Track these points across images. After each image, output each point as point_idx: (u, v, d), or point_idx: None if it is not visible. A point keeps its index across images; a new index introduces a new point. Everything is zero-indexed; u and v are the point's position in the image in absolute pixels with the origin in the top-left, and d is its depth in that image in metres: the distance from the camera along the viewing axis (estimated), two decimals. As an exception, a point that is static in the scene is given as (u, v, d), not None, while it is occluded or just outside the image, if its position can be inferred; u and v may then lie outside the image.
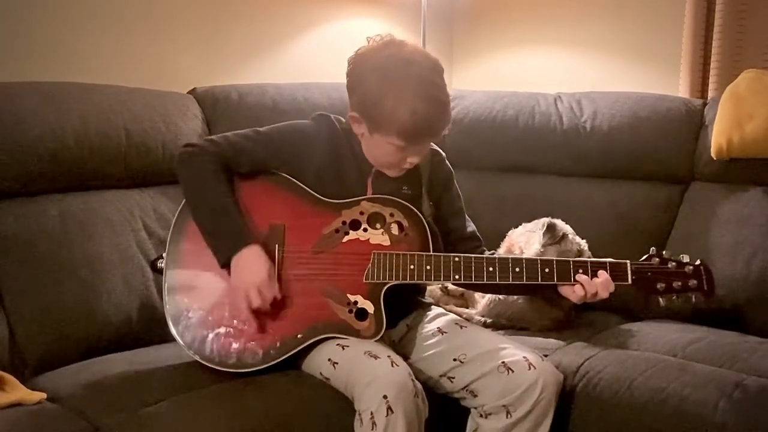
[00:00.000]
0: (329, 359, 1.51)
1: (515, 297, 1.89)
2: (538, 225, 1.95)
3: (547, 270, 1.55)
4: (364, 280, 1.55)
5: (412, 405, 1.42)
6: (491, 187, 2.27)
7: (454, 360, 1.56)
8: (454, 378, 1.56)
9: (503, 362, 1.51)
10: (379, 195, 1.60)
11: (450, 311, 1.79)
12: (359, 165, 1.63)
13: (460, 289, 2.05)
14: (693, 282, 1.56)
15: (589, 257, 1.84)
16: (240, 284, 1.51)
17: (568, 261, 1.56)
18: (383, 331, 1.53)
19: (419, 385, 1.47)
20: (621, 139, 2.20)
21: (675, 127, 2.17)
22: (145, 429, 1.38)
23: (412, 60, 1.52)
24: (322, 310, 1.55)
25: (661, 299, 1.57)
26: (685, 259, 1.57)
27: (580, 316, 1.99)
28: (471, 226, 1.72)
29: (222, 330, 1.54)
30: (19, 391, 1.48)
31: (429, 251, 1.56)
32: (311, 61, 2.55)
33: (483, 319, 1.96)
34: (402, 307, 1.64)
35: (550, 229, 1.90)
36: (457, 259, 1.55)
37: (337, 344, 1.53)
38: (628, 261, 1.56)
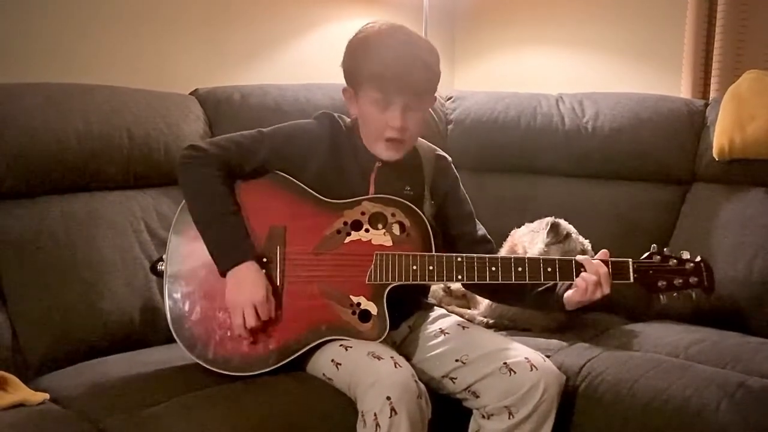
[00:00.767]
0: (332, 360, 1.51)
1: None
2: (542, 224, 1.95)
3: (549, 269, 1.55)
4: (366, 282, 1.55)
5: (416, 406, 1.42)
6: (493, 188, 2.27)
7: (456, 361, 1.56)
8: (456, 379, 1.56)
9: (505, 363, 1.51)
10: (380, 195, 1.60)
11: (452, 312, 1.79)
12: (361, 161, 1.63)
13: (462, 289, 2.05)
14: (694, 279, 1.56)
15: (591, 257, 1.83)
16: (236, 302, 1.51)
17: (571, 259, 1.56)
18: (386, 332, 1.53)
19: (422, 387, 1.47)
20: (622, 140, 2.20)
21: (676, 127, 2.17)
22: (148, 430, 1.38)
23: (399, 30, 1.58)
24: (324, 312, 1.54)
25: (662, 296, 1.57)
26: (686, 255, 1.57)
27: (582, 317, 1.99)
28: (481, 230, 1.72)
29: (224, 333, 1.54)
30: (21, 392, 1.48)
31: (431, 251, 1.56)
32: (313, 62, 2.55)
33: (485, 320, 1.96)
34: (404, 308, 1.64)
35: (554, 228, 1.90)
36: (459, 259, 1.55)
37: (340, 345, 1.52)
38: (629, 259, 1.56)
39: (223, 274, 1.53)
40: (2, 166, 1.70)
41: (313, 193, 1.60)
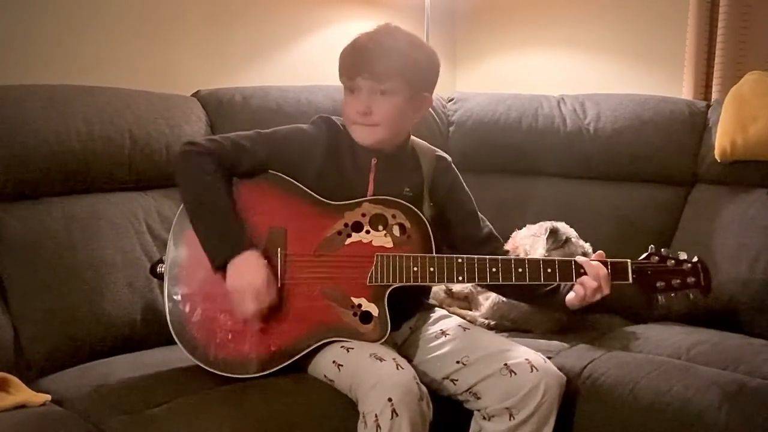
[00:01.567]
0: (334, 361, 1.51)
1: (519, 299, 1.89)
2: (542, 229, 1.95)
3: (549, 270, 1.55)
4: (367, 283, 1.55)
5: (417, 408, 1.42)
6: (494, 189, 2.27)
7: (457, 362, 1.56)
8: (457, 380, 1.56)
9: (506, 364, 1.51)
10: (381, 196, 1.60)
11: (454, 313, 1.79)
12: (359, 160, 1.63)
13: (465, 291, 2.05)
14: (691, 279, 1.56)
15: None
16: (236, 288, 1.50)
17: (570, 260, 1.56)
18: (388, 333, 1.53)
19: (424, 388, 1.47)
20: (624, 141, 2.20)
21: (678, 129, 2.17)
22: (149, 431, 1.38)
23: (384, 26, 1.63)
24: (325, 313, 1.54)
25: (660, 297, 1.57)
26: (683, 256, 1.58)
27: (583, 319, 1.99)
28: (486, 228, 1.71)
29: (225, 336, 1.54)
30: (23, 393, 1.48)
31: (432, 253, 1.56)
32: (315, 64, 2.55)
33: (487, 322, 1.96)
34: (405, 309, 1.64)
35: (553, 233, 1.91)
36: (460, 260, 1.55)
37: (342, 347, 1.52)
38: (628, 260, 1.57)
39: (217, 269, 1.52)
40: (4, 167, 1.71)
41: (313, 194, 1.60)
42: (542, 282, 1.56)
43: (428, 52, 1.63)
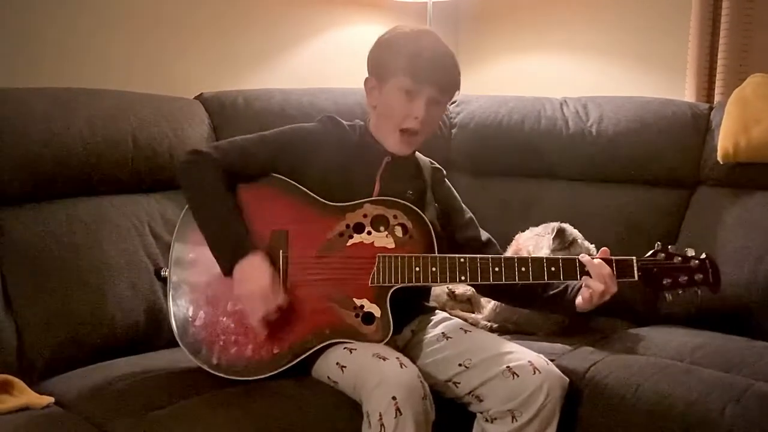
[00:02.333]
0: (337, 363, 1.51)
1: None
2: (547, 229, 1.94)
3: (553, 269, 1.54)
4: (369, 284, 1.55)
5: (421, 406, 1.42)
6: (497, 192, 2.27)
7: (460, 365, 1.56)
8: (459, 383, 1.56)
9: (508, 367, 1.51)
10: (382, 197, 1.61)
11: (456, 316, 1.79)
12: (369, 159, 1.64)
13: (467, 293, 2.05)
14: (699, 276, 1.55)
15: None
16: (244, 293, 1.51)
17: (574, 259, 1.56)
18: (390, 334, 1.53)
19: (427, 387, 1.47)
20: (627, 144, 2.19)
21: (681, 131, 2.17)
22: (152, 433, 1.38)
23: (432, 32, 1.66)
24: (328, 315, 1.55)
25: (667, 295, 1.56)
26: (690, 253, 1.56)
27: (586, 321, 1.98)
28: (485, 234, 1.74)
29: (228, 338, 1.54)
30: (26, 395, 1.49)
31: (434, 253, 1.56)
32: (317, 67, 2.56)
33: (489, 324, 1.96)
34: (406, 312, 1.64)
35: (560, 233, 1.90)
36: (462, 260, 1.55)
37: (345, 348, 1.53)
38: (634, 257, 1.56)
39: (226, 274, 1.53)
40: (8, 170, 1.71)
41: (315, 196, 1.61)
42: (546, 281, 1.55)
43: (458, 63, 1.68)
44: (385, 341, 1.53)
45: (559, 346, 1.82)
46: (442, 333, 1.64)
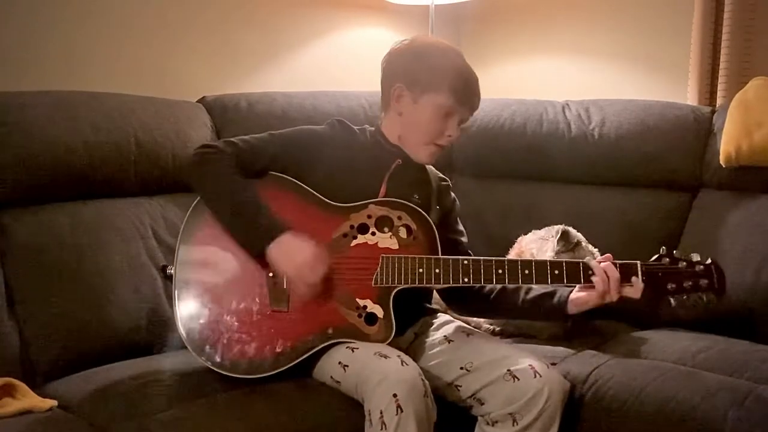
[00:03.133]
0: (339, 362, 1.51)
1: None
2: (551, 232, 1.94)
3: (557, 272, 1.54)
4: (372, 285, 1.55)
5: (422, 404, 1.42)
6: (499, 195, 2.27)
7: (461, 368, 1.56)
8: (461, 386, 1.56)
9: (509, 370, 1.51)
10: (387, 198, 1.61)
11: (458, 319, 1.79)
12: (379, 160, 1.65)
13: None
14: (704, 281, 1.54)
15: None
16: (292, 268, 1.51)
17: (578, 262, 1.56)
18: (393, 334, 1.54)
19: (428, 386, 1.47)
20: (629, 147, 2.19)
21: (683, 134, 2.17)
22: (155, 436, 1.38)
23: (455, 49, 1.68)
24: (331, 315, 1.55)
25: (672, 299, 1.56)
26: (696, 258, 1.56)
27: (588, 325, 1.98)
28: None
29: (232, 336, 1.54)
30: (30, 399, 1.49)
31: (438, 254, 1.57)
32: (320, 70, 2.56)
33: (491, 327, 1.96)
34: (409, 314, 1.64)
35: (564, 236, 1.90)
36: (465, 262, 1.55)
37: (347, 347, 1.53)
38: (638, 262, 1.56)
39: (260, 255, 1.53)
40: (11, 173, 1.71)
41: (320, 196, 1.61)
42: (549, 284, 1.55)
43: None
44: (388, 342, 1.53)
45: (561, 349, 1.82)
46: (444, 336, 1.64)
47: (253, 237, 1.54)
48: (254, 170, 1.62)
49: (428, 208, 1.65)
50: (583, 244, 1.92)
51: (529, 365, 1.51)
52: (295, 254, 1.51)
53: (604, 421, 1.58)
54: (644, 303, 1.81)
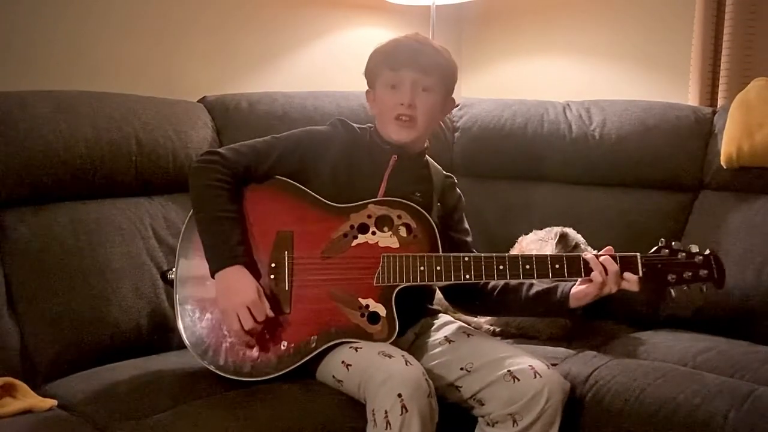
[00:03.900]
0: (343, 362, 1.51)
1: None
2: (550, 234, 1.95)
3: (557, 266, 1.54)
4: (374, 284, 1.55)
5: (426, 404, 1.42)
6: (500, 195, 2.27)
7: (461, 369, 1.56)
8: (461, 387, 1.56)
9: (509, 371, 1.51)
10: (386, 198, 1.62)
11: (459, 320, 1.79)
12: (376, 158, 1.65)
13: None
14: (704, 272, 1.54)
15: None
16: (228, 306, 1.52)
17: (578, 255, 1.56)
18: (396, 333, 1.54)
19: (432, 386, 1.47)
20: (630, 148, 2.19)
21: (684, 135, 2.17)
22: (155, 436, 1.38)
23: (417, 33, 1.68)
24: (334, 315, 1.55)
25: (672, 291, 1.56)
26: (695, 249, 1.56)
27: (589, 325, 1.98)
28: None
29: (235, 339, 1.54)
30: (30, 398, 1.49)
31: (438, 252, 1.57)
32: (321, 70, 2.56)
33: (492, 328, 1.96)
34: (410, 314, 1.64)
35: (563, 239, 1.90)
36: (467, 258, 1.55)
37: (350, 347, 1.53)
38: (638, 254, 1.56)
39: (213, 276, 1.54)
40: (11, 172, 1.71)
41: (320, 198, 1.62)
42: (550, 278, 1.55)
43: (451, 56, 1.69)
44: (391, 340, 1.53)
45: (562, 350, 1.82)
46: (445, 337, 1.64)
47: (210, 256, 1.54)
48: (259, 174, 1.62)
49: (429, 206, 1.65)
50: (582, 246, 1.92)
51: (529, 366, 1.51)
52: (234, 292, 1.51)
53: (605, 421, 1.58)
54: (646, 294, 1.82)
